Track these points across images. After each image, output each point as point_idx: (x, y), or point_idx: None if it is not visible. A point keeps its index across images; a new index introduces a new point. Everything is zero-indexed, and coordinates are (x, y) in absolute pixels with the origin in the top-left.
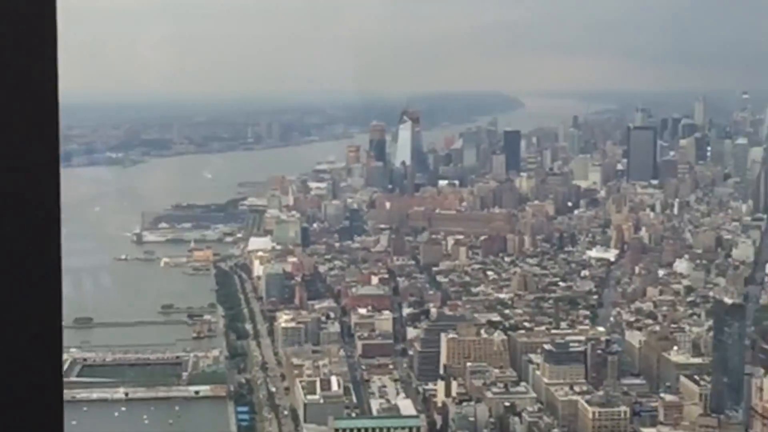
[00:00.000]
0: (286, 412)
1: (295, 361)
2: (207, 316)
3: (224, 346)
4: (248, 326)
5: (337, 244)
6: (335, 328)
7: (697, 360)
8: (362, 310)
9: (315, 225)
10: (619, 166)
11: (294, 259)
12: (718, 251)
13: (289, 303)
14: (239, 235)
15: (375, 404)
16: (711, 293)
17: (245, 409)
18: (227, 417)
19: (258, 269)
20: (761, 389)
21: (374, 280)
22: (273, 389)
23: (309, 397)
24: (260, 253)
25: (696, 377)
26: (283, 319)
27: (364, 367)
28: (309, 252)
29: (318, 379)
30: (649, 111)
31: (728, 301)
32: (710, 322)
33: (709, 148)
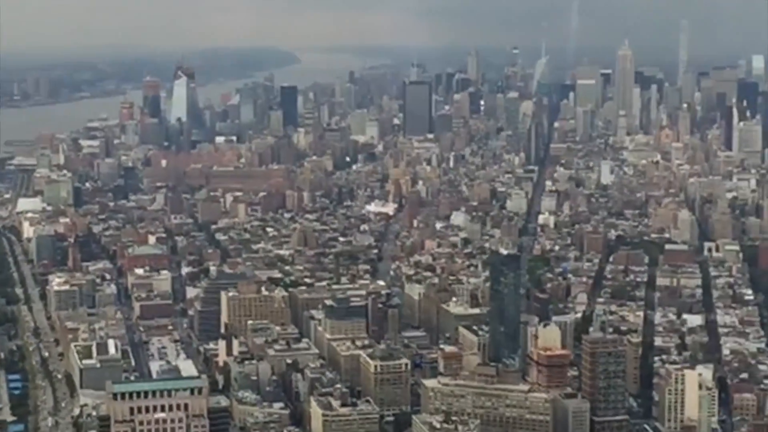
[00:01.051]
0: (60, 377)
1: (70, 325)
2: None
3: None
4: (18, 290)
5: (111, 204)
6: (111, 289)
7: (475, 311)
8: (139, 271)
9: (88, 184)
10: (396, 121)
11: (66, 220)
12: (493, 203)
13: (62, 265)
14: (7, 196)
15: (155, 366)
16: (487, 245)
17: (17, 377)
18: None
19: (28, 231)
20: (536, 337)
21: (151, 239)
22: (46, 355)
23: (85, 361)
24: (30, 215)
25: (474, 327)
26: (56, 282)
27: (142, 328)
28: (82, 212)
29: (94, 343)
30: (425, 66)
31: (504, 251)
32: (487, 273)
33: (482, 102)
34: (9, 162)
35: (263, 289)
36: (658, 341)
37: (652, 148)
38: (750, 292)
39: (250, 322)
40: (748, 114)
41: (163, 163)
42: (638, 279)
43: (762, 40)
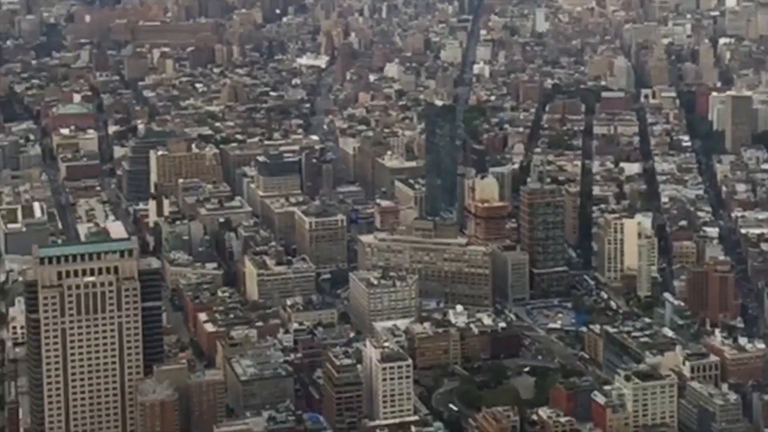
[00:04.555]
0: None
1: None
2: None
3: None
4: None
5: (34, 62)
6: (36, 150)
7: (411, 164)
8: (65, 131)
9: (9, 42)
10: None
11: None
12: (427, 54)
13: None
14: None
15: (83, 229)
16: (422, 96)
17: None
18: None
19: None
20: (473, 189)
21: (76, 98)
22: None
23: (10, 225)
24: None
25: (410, 181)
26: None
27: (68, 190)
28: (3, 71)
29: (19, 206)
30: None
31: (439, 103)
32: (422, 125)
33: None
34: None
35: (194, 146)
36: (596, 190)
37: None
38: (687, 138)
39: (180, 180)
40: None
41: (87, 18)
42: (575, 128)
43: None
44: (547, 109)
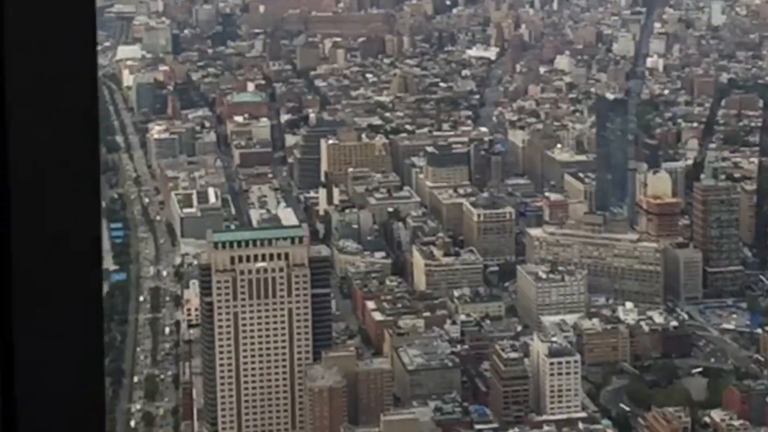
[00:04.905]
0: (161, 226)
1: (170, 173)
2: None
3: None
4: (119, 139)
5: (210, 51)
6: (211, 137)
7: (581, 157)
8: (238, 118)
9: (186, 31)
10: None
11: (165, 68)
12: (599, 46)
13: (162, 113)
14: (107, 44)
15: (255, 215)
16: (593, 89)
17: (119, 225)
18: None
19: (128, 79)
20: (645, 185)
21: (250, 86)
22: (147, 202)
23: (186, 210)
24: (129, 62)
25: (580, 175)
26: (156, 130)
27: (242, 177)
28: (181, 60)
29: (195, 192)
30: None
31: (610, 96)
32: (593, 119)
33: None
34: (108, 10)
35: (363, 136)
36: None
37: None
38: None
39: (350, 169)
40: None
41: (261, 8)
42: (752, 124)
43: None
44: (722, 104)
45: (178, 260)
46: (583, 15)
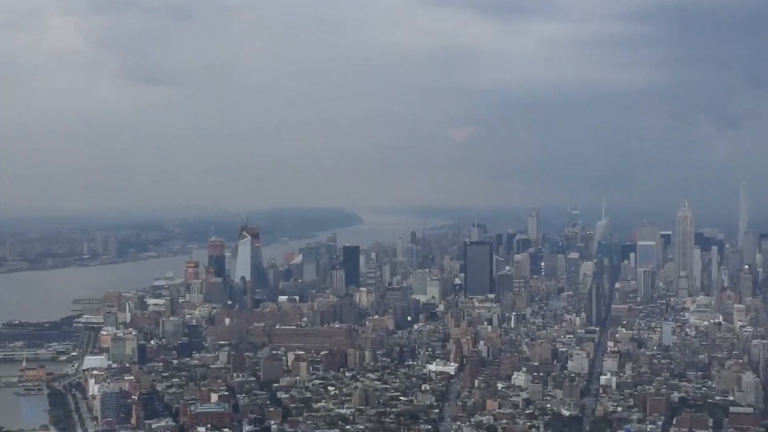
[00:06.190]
0: None
1: None
2: None
3: None
4: None
5: (175, 361)
6: None
7: None
8: (201, 429)
9: (153, 342)
10: (457, 281)
11: (131, 378)
12: (555, 363)
13: (126, 423)
14: (74, 354)
15: None
16: (549, 405)
17: None
18: None
19: (93, 388)
20: None
21: (214, 397)
22: None
23: None
24: (95, 372)
25: None
26: None
27: None
28: (146, 369)
29: None
30: (485, 227)
31: (566, 413)
32: None
33: (542, 263)
34: (76, 320)
35: None
36: None
37: (714, 309)
38: None
39: None
40: None
41: (227, 321)
42: None
43: None
44: (674, 422)
45: None
46: (540, 333)
